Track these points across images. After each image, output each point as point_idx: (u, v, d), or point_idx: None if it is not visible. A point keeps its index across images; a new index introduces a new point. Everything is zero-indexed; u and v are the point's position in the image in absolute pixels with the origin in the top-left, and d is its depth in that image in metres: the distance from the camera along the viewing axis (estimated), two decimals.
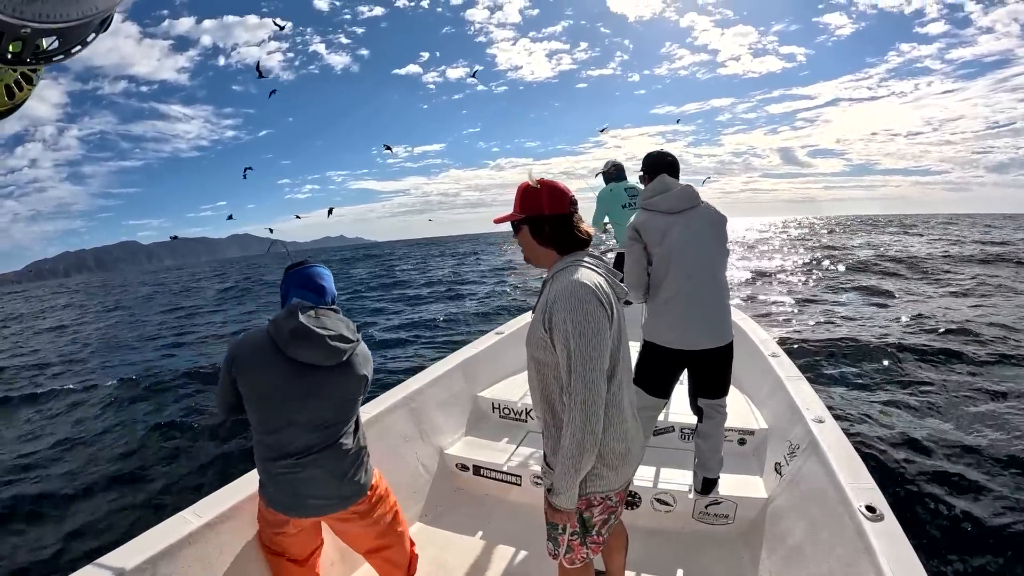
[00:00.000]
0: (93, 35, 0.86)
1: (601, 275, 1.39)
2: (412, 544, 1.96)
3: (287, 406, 1.56)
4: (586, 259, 1.41)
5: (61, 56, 0.83)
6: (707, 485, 2.36)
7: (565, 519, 1.40)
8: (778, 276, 16.01)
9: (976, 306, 10.26)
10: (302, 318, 1.55)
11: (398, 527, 1.85)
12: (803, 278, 14.31)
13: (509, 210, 1.46)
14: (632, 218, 2.30)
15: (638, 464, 1.54)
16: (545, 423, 1.46)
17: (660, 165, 2.33)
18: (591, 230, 1.46)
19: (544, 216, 1.41)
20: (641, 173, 2.41)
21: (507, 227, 1.51)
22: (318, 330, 1.55)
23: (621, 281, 1.49)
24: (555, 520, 1.42)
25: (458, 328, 10.58)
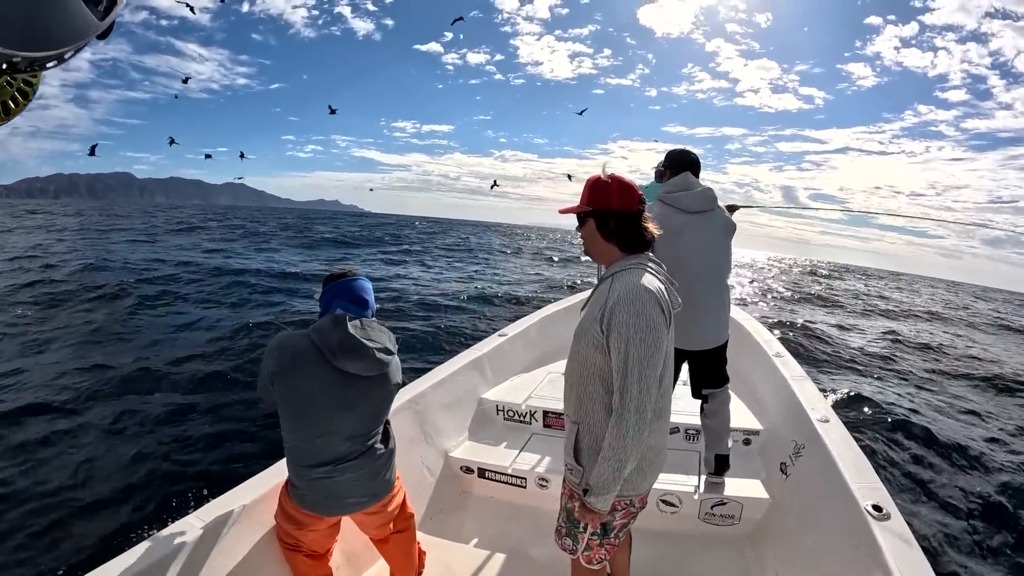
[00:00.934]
0: (88, 40, 0.87)
1: (662, 282, 1.39)
2: (418, 542, 2.04)
3: (329, 415, 1.59)
4: (650, 263, 1.41)
5: (55, 62, 0.84)
6: (720, 463, 2.37)
7: (597, 519, 1.40)
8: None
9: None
10: (352, 330, 1.56)
11: (408, 511, 1.94)
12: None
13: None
14: (650, 206, 2.30)
15: (661, 469, 1.53)
16: (579, 419, 1.45)
17: (683, 162, 2.33)
18: (656, 232, 1.46)
19: (612, 211, 1.41)
20: (661, 168, 2.40)
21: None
22: (367, 342, 1.57)
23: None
24: (585, 519, 1.41)
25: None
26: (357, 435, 1.65)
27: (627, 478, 1.37)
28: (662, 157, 2.55)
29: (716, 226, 2.28)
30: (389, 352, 1.65)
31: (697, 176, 2.33)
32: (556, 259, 25.78)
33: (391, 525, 1.88)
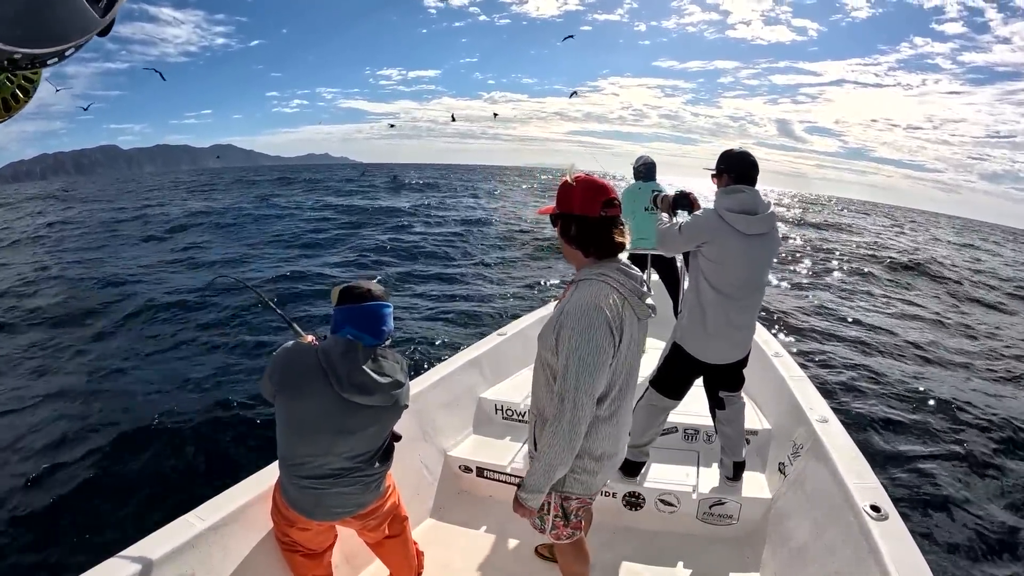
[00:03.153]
0: (89, 37, 0.87)
1: (626, 296, 1.35)
2: (415, 543, 2.03)
3: (328, 439, 1.54)
4: (612, 274, 1.36)
5: (56, 60, 0.84)
6: (737, 469, 2.40)
7: (527, 514, 1.46)
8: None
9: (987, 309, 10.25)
10: (364, 366, 1.50)
11: (402, 514, 1.91)
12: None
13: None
14: (707, 214, 2.13)
15: (616, 469, 1.58)
16: (538, 413, 1.50)
17: (744, 170, 2.11)
18: (625, 240, 1.41)
19: (573, 216, 1.38)
20: (716, 171, 2.18)
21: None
22: (377, 378, 1.52)
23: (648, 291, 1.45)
24: (517, 512, 1.47)
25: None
26: (355, 455, 1.61)
27: (578, 477, 1.45)
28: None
29: (770, 250, 2.17)
30: (399, 385, 1.59)
31: (755, 181, 2.13)
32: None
33: (385, 528, 1.86)
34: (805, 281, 12.01)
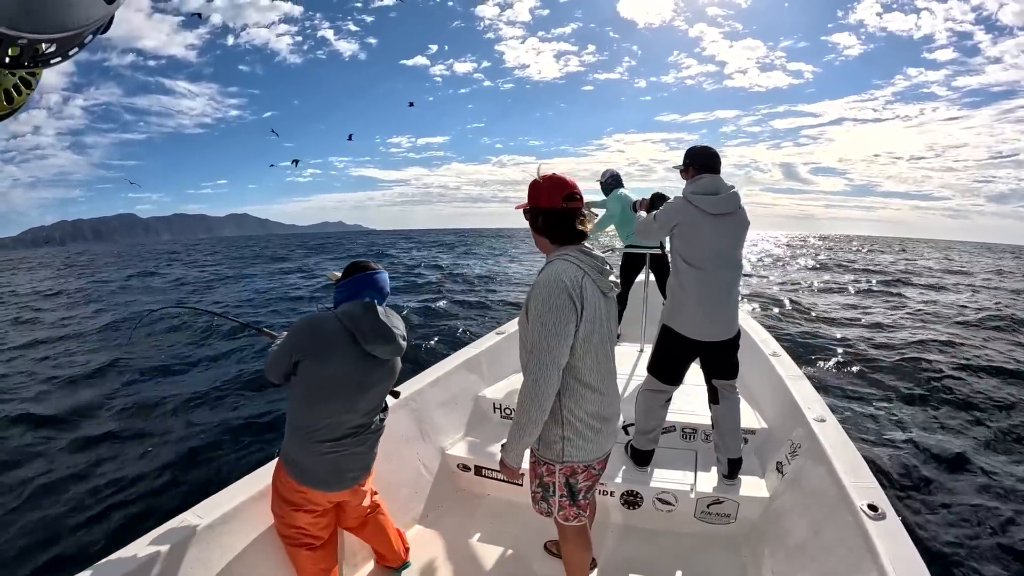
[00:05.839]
0: (91, 37, 0.86)
1: (585, 271, 1.51)
2: (400, 533, 2.18)
3: (353, 396, 1.72)
4: (573, 254, 1.53)
5: (59, 59, 0.83)
6: (733, 467, 2.43)
7: (509, 473, 1.60)
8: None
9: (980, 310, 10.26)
10: (382, 317, 1.71)
11: (373, 490, 2.05)
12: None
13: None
14: (675, 200, 2.39)
15: (615, 438, 1.69)
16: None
17: (706, 161, 2.36)
18: (586, 227, 1.57)
19: (540, 208, 1.56)
20: (683, 166, 2.43)
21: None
22: (393, 329, 1.73)
23: (613, 276, 1.61)
24: (504, 474, 1.61)
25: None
26: (369, 410, 1.80)
27: (573, 443, 1.56)
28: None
29: (738, 228, 2.35)
30: (404, 338, 1.80)
31: (718, 170, 2.37)
32: None
33: (368, 502, 1.98)
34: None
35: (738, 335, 2.42)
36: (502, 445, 1.61)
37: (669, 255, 4.24)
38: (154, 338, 8.16)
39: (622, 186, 4.65)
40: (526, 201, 1.60)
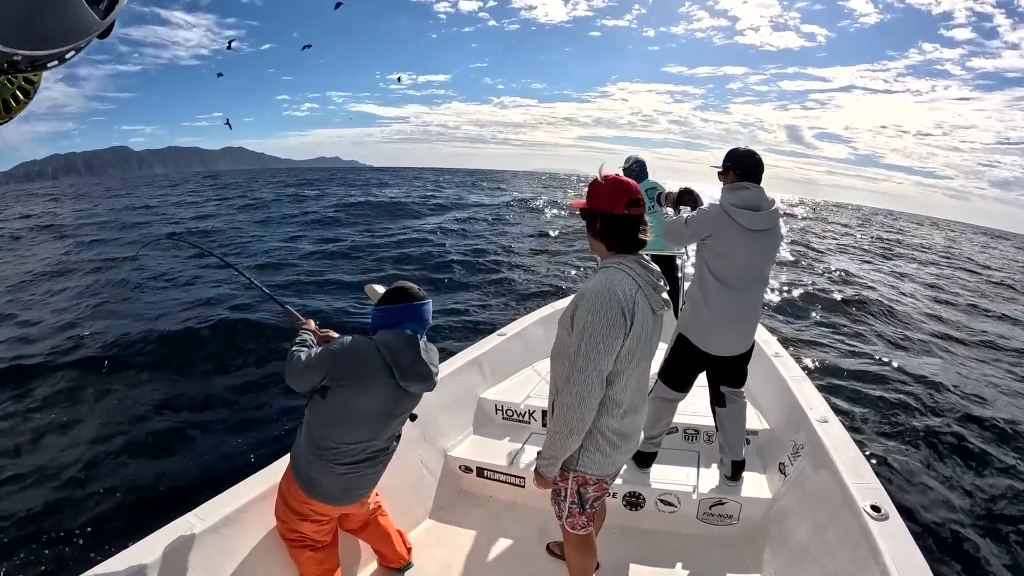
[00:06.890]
0: (90, 39, 0.86)
1: (640, 285, 1.45)
2: (402, 533, 2.18)
3: (379, 426, 1.72)
4: (629, 264, 1.47)
5: (56, 63, 0.84)
6: (736, 468, 2.41)
7: (545, 485, 1.59)
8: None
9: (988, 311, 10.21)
10: (423, 354, 1.69)
11: (377, 495, 2.05)
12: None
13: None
14: (712, 209, 2.19)
15: (630, 456, 1.68)
16: (555, 395, 1.56)
17: (750, 168, 2.18)
18: (648, 237, 1.51)
19: (599, 212, 1.49)
20: (722, 168, 2.25)
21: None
22: (432, 368, 1.72)
23: (666, 289, 1.54)
24: (539, 484, 1.60)
25: None
26: (391, 436, 1.81)
27: (591, 457, 1.53)
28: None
29: (773, 245, 2.24)
30: (437, 372, 1.78)
31: (760, 179, 2.19)
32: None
33: (371, 509, 2.00)
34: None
35: (752, 346, 2.34)
36: (538, 453, 1.57)
37: (680, 260, 4.15)
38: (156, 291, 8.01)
39: (647, 175, 4.19)
40: (583, 200, 1.54)
